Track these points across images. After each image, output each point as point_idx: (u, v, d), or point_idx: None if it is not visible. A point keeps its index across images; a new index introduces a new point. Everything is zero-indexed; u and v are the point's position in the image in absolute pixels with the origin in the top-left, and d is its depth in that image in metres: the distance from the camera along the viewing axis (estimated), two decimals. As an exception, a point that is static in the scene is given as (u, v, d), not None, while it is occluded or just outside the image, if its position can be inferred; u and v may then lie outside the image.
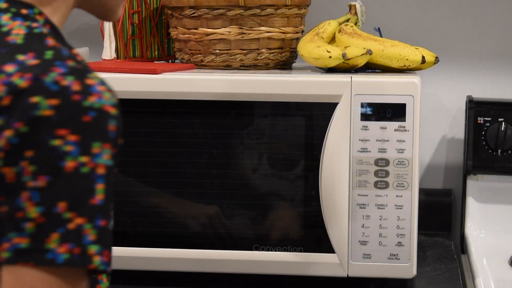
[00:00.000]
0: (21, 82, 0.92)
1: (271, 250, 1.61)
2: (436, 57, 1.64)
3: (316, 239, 1.59)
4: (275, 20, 1.69)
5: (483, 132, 1.87)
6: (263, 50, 1.71)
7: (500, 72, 2.01)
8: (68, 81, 0.93)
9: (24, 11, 1.02)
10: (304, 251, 1.60)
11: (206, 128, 1.60)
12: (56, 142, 0.91)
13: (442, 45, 2.01)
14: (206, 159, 1.61)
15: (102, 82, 0.96)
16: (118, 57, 1.82)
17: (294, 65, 1.80)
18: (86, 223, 0.91)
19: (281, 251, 1.61)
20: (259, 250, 1.61)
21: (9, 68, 0.94)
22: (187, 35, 1.72)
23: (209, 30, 1.69)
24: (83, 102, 0.92)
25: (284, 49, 1.73)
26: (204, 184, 1.61)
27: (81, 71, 0.95)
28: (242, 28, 1.68)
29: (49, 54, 0.96)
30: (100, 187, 0.93)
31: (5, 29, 0.99)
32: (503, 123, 1.85)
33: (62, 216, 0.90)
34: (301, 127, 1.58)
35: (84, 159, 0.92)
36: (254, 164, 1.60)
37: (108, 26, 1.82)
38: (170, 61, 1.86)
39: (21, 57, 0.95)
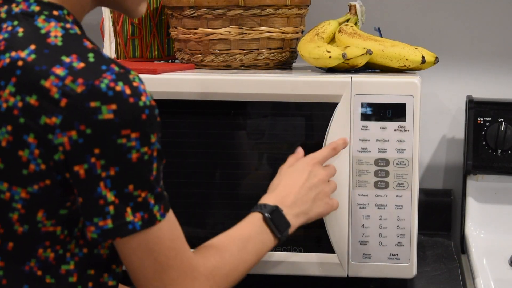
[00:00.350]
0: (75, 87, 1.08)
1: (271, 250, 1.61)
2: (436, 57, 1.64)
3: (316, 239, 1.59)
4: (275, 20, 1.69)
5: (483, 132, 1.87)
6: (263, 50, 1.71)
7: (500, 72, 2.01)
8: (120, 86, 1.09)
9: (55, 13, 1.15)
10: (304, 251, 1.60)
11: (206, 128, 1.60)
12: (122, 140, 1.10)
13: (442, 45, 2.01)
14: (206, 159, 1.61)
15: (140, 80, 1.13)
16: (118, 57, 1.82)
17: (294, 65, 1.80)
18: (148, 194, 1.13)
19: (281, 251, 1.61)
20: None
21: (59, 71, 1.09)
22: (187, 35, 1.72)
23: (209, 30, 1.69)
24: (138, 103, 1.10)
25: (284, 49, 1.73)
26: (203, 184, 1.61)
27: (126, 75, 1.11)
28: (242, 28, 1.68)
29: (91, 57, 1.11)
30: (155, 166, 1.15)
31: (43, 31, 1.12)
32: (503, 123, 1.85)
33: (132, 194, 1.12)
34: (301, 127, 1.58)
35: (145, 149, 1.12)
36: (254, 164, 1.59)
37: (108, 26, 1.82)
38: (170, 61, 1.86)
39: (66, 59, 1.10)
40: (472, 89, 2.00)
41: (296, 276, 1.62)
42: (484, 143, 1.87)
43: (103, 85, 1.09)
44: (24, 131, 1.10)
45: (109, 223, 1.12)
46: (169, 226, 1.17)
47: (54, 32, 1.13)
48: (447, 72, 2.02)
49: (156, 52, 1.84)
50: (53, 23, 1.14)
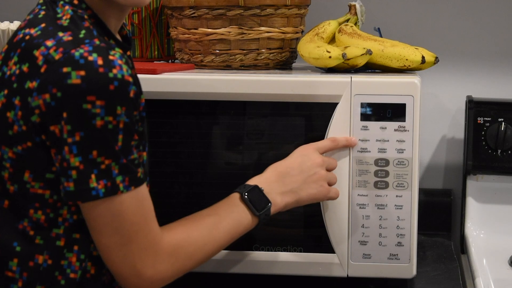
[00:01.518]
0: (56, 54, 1.18)
1: (271, 250, 1.61)
2: (436, 57, 1.64)
3: (316, 239, 1.59)
4: (275, 20, 1.69)
5: (483, 132, 1.87)
6: (263, 50, 1.71)
7: (500, 72, 2.01)
8: (93, 57, 1.17)
9: (75, 1, 1.26)
10: (304, 251, 1.60)
11: (206, 128, 1.60)
12: (87, 106, 1.16)
13: (442, 45, 2.01)
14: (206, 159, 1.61)
15: (121, 57, 1.20)
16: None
17: (294, 65, 1.80)
18: (112, 163, 1.19)
19: (281, 251, 1.61)
20: (259, 250, 1.61)
21: (49, 42, 1.20)
22: (187, 35, 1.72)
23: (209, 30, 1.69)
24: (108, 73, 1.17)
25: (284, 49, 1.73)
26: (203, 184, 1.61)
27: (104, 49, 1.19)
28: (242, 28, 1.68)
29: (82, 33, 1.21)
30: (120, 137, 1.19)
31: (59, 15, 1.25)
32: (503, 123, 1.85)
33: (96, 161, 1.18)
34: (301, 127, 1.58)
35: (109, 118, 1.18)
36: (254, 164, 1.59)
37: (108, 26, 1.82)
38: (170, 61, 1.86)
39: (60, 34, 1.21)
40: (472, 89, 2.00)
41: (296, 276, 1.62)
42: (484, 143, 1.87)
43: (77, 54, 1.17)
44: (13, 94, 1.22)
45: (71, 186, 1.20)
46: (136, 201, 1.22)
47: (66, 16, 1.24)
48: (447, 72, 2.02)
49: (156, 52, 1.84)
50: (67, 7, 1.25)
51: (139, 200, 1.23)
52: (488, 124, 1.86)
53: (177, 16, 1.73)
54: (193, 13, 1.69)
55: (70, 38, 1.20)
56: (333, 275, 1.60)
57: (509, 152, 1.86)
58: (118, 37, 1.36)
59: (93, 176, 1.19)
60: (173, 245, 1.27)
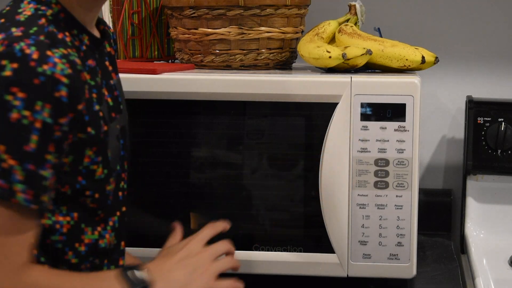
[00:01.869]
0: (0, 47, 1.12)
1: (271, 250, 1.61)
2: (436, 57, 1.64)
3: (316, 239, 1.59)
4: (275, 20, 1.69)
5: (483, 132, 1.87)
6: (263, 50, 1.71)
7: (500, 72, 2.01)
8: (30, 50, 1.11)
9: None
10: (304, 251, 1.60)
11: (206, 128, 1.60)
12: (9, 97, 1.10)
13: (442, 45, 2.01)
14: (206, 159, 1.61)
15: (62, 57, 1.13)
16: (118, 57, 1.82)
17: (294, 65, 1.80)
18: (16, 165, 1.10)
19: (281, 251, 1.61)
20: (259, 250, 1.61)
21: (0, 36, 1.14)
22: (187, 35, 1.72)
23: (209, 30, 1.69)
24: (37, 68, 1.11)
25: (284, 49, 1.73)
26: (203, 184, 1.61)
27: (47, 45, 1.13)
28: (242, 28, 1.68)
29: (33, 30, 1.15)
30: (34, 137, 1.11)
31: (20, 10, 1.19)
32: (503, 123, 1.85)
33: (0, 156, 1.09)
34: (301, 127, 1.58)
35: (26, 113, 1.10)
36: (254, 164, 1.60)
37: (108, 26, 1.82)
38: (170, 61, 1.86)
39: (13, 29, 1.14)
40: (472, 89, 2.00)
41: (296, 276, 1.62)
42: (484, 143, 1.87)
43: (17, 47, 1.12)
44: None
45: None
46: (20, 221, 1.12)
47: (26, 12, 1.18)
48: (447, 72, 2.02)
49: (156, 52, 1.84)
50: (31, 5, 1.20)
51: (25, 224, 1.13)
52: (488, 124, 1.86)
53: (177, 16, 1.73)
54: (193, 13, 1.69)
55: (19, 33, 1.14)
56: (333, 275, 1.60)
57: (509, 152, 1.86)
58: (96, 31, 1.31)
59: None
60: (31, 280, 1.15)
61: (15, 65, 1.11)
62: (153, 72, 1.61)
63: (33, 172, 1.11)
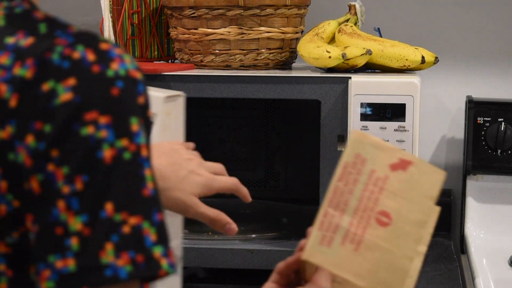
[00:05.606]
0: (25, 72, 0.76)
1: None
2: (436, 57, 1.64)
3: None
4: (274, 20, 1.69)
5: (483, 132, 1.87)
6: (263, 50, 1.71)
7: (500, 72, 2.01)
8: (79, 52, 0.77)
9: None
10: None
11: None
12: (88, 130, 0.74)
13: (442, 45, 2.01)
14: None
15: (117, 45, 0.83)
16: (118, 57, 1.82)
17: (294, 65, 1.80)
18: (142, 222, 0.75)
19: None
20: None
21: (3, 59, 0.78)
22: (187, 35, 1.72)
23: (209, 30, 1.69)
24: (106, 72, 0.77)
25: (284, 49, 1.73)
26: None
27: (90, 36, 0.79)
28: (241, 28, 1.68)
29: (43, 27, 0.80)
30: (148, 173, 0.76)
31: None
32: (503, 123, 1.85)
33: (112, 220, 0.74)
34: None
35: (123, 142, 0.75)
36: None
37: (107, 26, 1.82)
38: (170, 61, 1.86)
39: (10, 40, 0.79)
40: (472, 89, 2.00)
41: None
42: (484, 143, 1.87)
43: (55, 56, 0.76)
44: None
45: (71, 265, 0.73)
46: None
47: None
48: (447, 72, 2.02)
49: (156, 52, 1.84)
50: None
51: None
52: (488, 124, 1.86)
53: (177, 16, 1.73)
54: (193, 13, 1.69)
55: (31, 40, 0.77)
56: (333, 275, 1.60)
57: (509, 152, 1.86)
58: None
59: (108, 246, 0.74)
60: None
61: (71, 82, 0.76)
62: (153, 72, 1.61)
63: (163, 223, 0.77)
